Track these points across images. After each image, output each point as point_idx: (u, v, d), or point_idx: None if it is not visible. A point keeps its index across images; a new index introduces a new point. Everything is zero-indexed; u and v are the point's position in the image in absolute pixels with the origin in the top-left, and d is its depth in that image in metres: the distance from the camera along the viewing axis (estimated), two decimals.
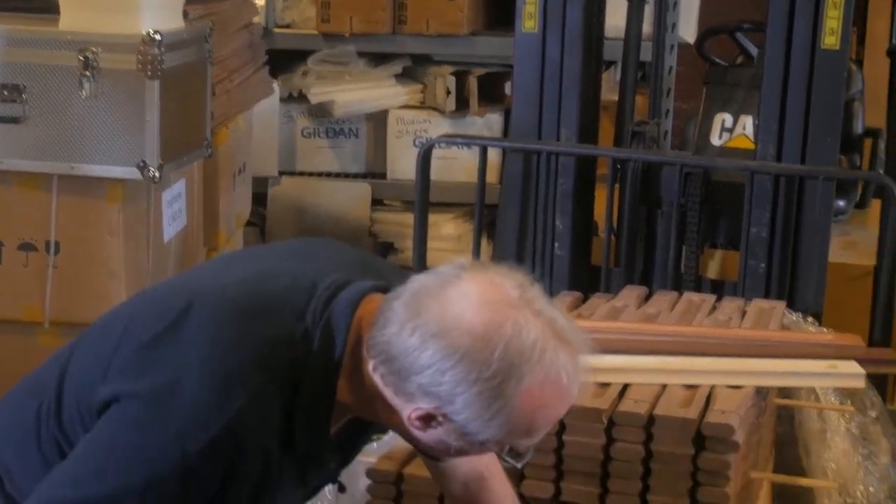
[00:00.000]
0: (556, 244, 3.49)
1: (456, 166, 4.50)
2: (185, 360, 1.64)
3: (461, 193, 4.39)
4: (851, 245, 3.92)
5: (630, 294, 3.10)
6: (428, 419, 1.65)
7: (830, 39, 3.25)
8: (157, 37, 3.07)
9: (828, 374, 2.60)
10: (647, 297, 3.14)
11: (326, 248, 1.89)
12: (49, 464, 1.74)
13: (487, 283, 1.64)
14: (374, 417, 1.74)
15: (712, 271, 3.62)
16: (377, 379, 1.66)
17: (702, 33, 4.51)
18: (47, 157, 3.11)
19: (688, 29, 4.56)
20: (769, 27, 3.31)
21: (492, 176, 4.07)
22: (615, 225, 3.51)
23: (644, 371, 2.45)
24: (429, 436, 1.67)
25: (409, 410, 1.65)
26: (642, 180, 3.49)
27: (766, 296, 3.27)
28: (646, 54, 3.84)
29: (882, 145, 4.23)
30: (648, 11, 3.79)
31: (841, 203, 4.01)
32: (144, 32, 3.09)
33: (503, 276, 1.65)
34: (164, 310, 1.71)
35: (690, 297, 3.11)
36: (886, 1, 4.53)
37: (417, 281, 1.67)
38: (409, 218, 3.84)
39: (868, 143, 4.31)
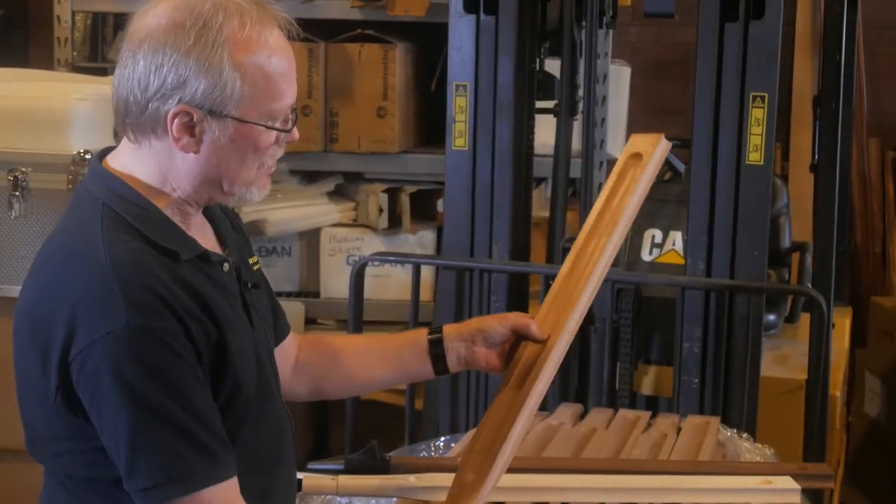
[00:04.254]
0: None
1: (389, 284, 4.50)
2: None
3: (395, 311, 4.38)
4: (783, 359, 3.94)
5: (565, 411, 3.09)
6: (187, 126, 1.77)
7: (754, 155, 3.30)
8: (88, 156, 3.06)
9: (763, 490, 2.59)
10: (583, 415, 3.14)
11: None
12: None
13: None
14: (193, 189, 1.85)
15: (646, 387, 3.62)
16: (141, 149, 1.82)
17: None
18: None
19: (616, 145, 4.62)
20: (694, 144, 3.35)
21: (425, 293, 4.07)
22: None
23: (581, 490, 2.44)
24: (205, 152, 1.80)
25: (170, 133, 1.77)
26: None
27: (701, 410, 3.27)
28: (575, 171, 3.88)
29: (809, 259, 4.27)
30: (577, 128, 3.84)
31: (771, 317, 4.04)
32: (75, 152, 3.08)
33: None
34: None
35: (625, 413, 3.11)
36: (808, 118, 4.60)
37: None
38: None
39: (796, 256, 4.36)
